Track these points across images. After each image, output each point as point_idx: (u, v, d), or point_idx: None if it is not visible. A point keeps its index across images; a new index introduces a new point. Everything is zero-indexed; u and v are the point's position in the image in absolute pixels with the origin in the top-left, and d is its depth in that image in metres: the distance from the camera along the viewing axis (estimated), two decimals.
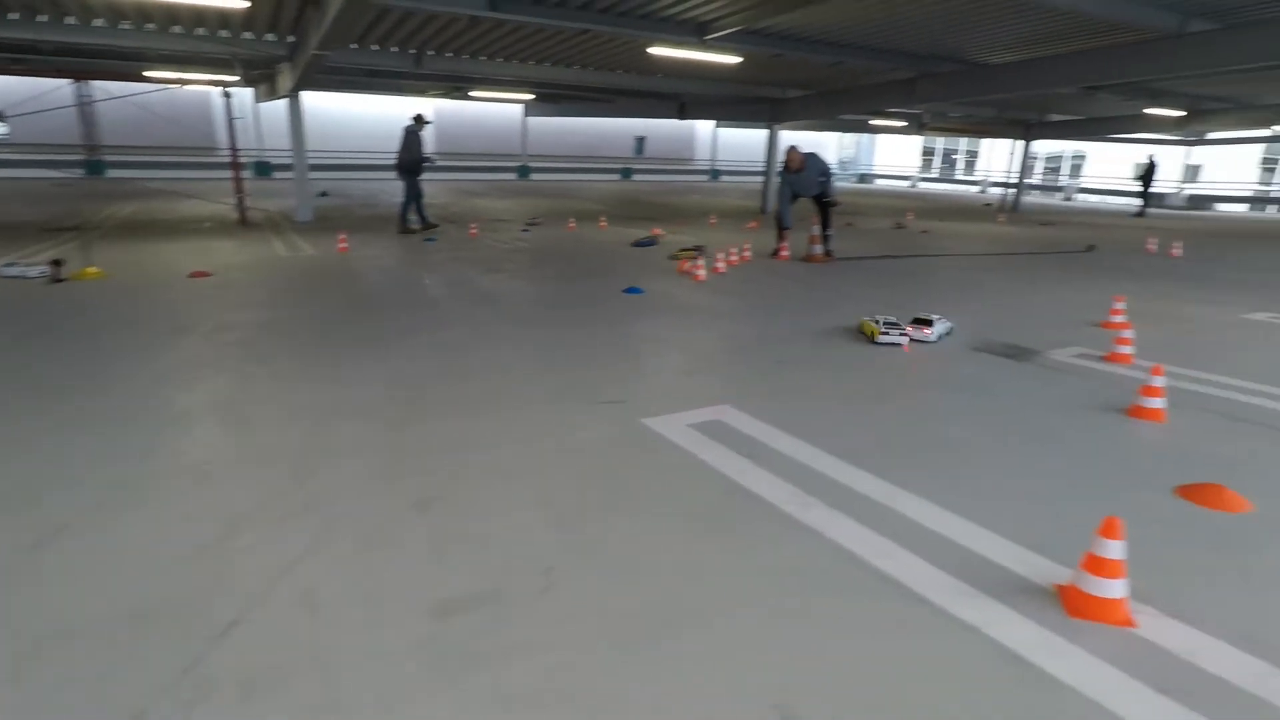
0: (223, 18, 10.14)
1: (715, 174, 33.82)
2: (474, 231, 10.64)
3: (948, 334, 4.74)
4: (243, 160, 12.71)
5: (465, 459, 2.64)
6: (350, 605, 1.78)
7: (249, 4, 8.30)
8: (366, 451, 2.70)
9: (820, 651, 1.63)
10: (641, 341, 4.51)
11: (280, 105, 12.98)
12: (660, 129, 33.46)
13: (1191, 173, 31.53)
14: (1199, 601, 1.83)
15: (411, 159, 10.63)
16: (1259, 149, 31.35)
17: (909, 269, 8.17)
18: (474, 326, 4.86)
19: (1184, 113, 17.38)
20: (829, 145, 41.65)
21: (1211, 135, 24.58)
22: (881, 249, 10.01)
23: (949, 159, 43.41)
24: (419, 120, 10.70)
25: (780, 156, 9.01)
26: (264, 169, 25.31)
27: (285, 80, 12.25)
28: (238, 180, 11.74)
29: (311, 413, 3.10)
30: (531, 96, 19.39)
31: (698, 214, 16.02)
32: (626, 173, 32.10)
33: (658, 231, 6.46)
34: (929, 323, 4.58)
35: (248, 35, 11.35)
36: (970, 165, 41.54)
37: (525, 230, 11.46)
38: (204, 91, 23.65)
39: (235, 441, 2.79)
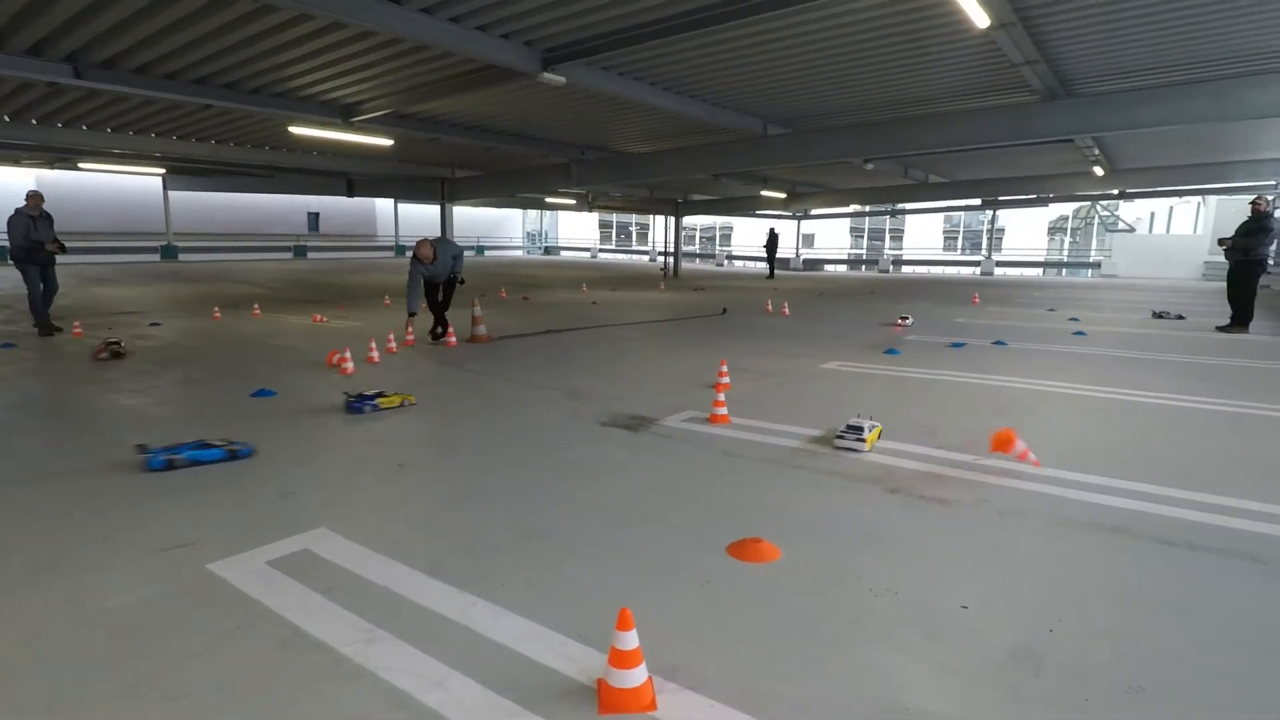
0: None
1: (401, 250, 32.98)
2: (78, 331, 8.84)
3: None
4: None
5: None
6: None
7: None
8: None
9: None
10: (244, 461, 4.00)
11: None
12: (336, 205, 31.82)
13: (808, 240, 38.79)
14: (714, 667, 2.04)
15: (18, 247, 8.40)
16: (848, 221, 39.88)
17: (570, 342, 8.62)
18: (17, 460, 3.91)
19: (785, 194, 21.34)
20: (515, 220, 43.34)
21: (813, 211, 30.62)
22: (550, 323, 10.47)
23: (624, 231, 47.92)
24: (30, 199, 8.51)
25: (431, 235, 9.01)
26: None
27: None
28: None
29: None
30: (162, 170, 17.10)
31: (374, 294, 15.35)
32: (300, 250, 29.77)
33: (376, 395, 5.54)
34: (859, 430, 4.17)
35: None
36: (643, 236, 46.30)
37: (155, 324, 9.87)
38: None
39: None
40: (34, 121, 11.01)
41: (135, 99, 9.42)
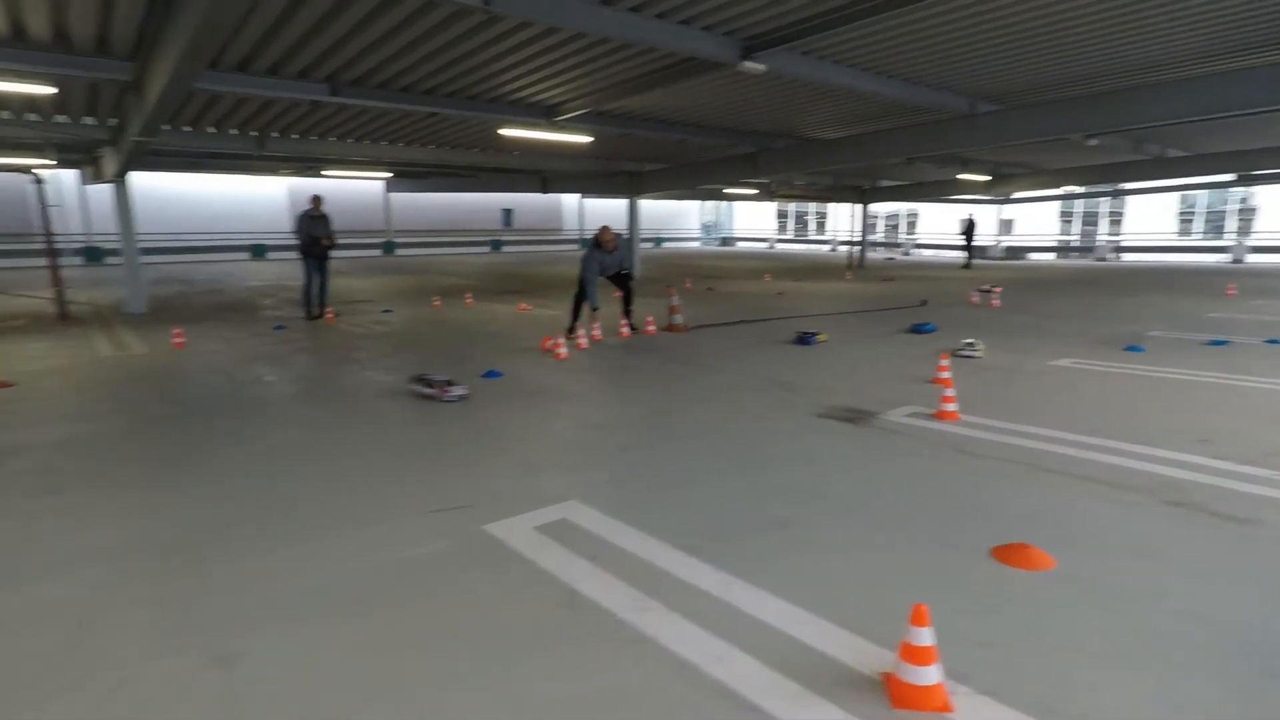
0: (29, 102, 9.35)
1: (585, 243, 34.46)
2: (330, 316, 10.15)
3: None
4: (64, 247, 11.57)
5: (278, 596, 2.40)
6: None
7: (56, 90, 7.70)
8: (165, 598, 2.39)
9: None
10: (493, 434, 4.38)
11: (107, 189, 12.02)
12: (527, 200, 33.90)
13: (1006, 226, 35.53)
14: (1008, 675, 1.92)
15: (303, 242, 10.07)
16: (1056, 204, 35.96)
17: (764, 333, 8.55)
18: (312, 429, 4.55)
19: (989, 177, 19.65)
20: (692, 211, 43.74)
21: (1017, 195, 27.95)
22: (740, 314, 10.44)
23: (802, 220, 46.68)
24: (312, 201, 10.19)
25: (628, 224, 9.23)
26: (94, 255, 23.21)
27: (110, 164, 11.40)
28: (55, 271, 10.65)
29: (104, 554, 2.74)
30: (389, 175, 19.10)
31: (567, 284, 16.14)
32: (496, 244, 32.11)
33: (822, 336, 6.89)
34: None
35: (62, 119, 10.52)
36: (821, 225, 44.83)
37: (386, 312, 11.08)
38: (17, 175, 21.57)
39: (10, 600, 2.39)
40: (295, 136, 12.80)
41: (375, 111, 10.61)
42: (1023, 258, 29.84)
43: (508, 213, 35.60)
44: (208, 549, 2.77)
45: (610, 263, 8.34)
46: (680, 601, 2.30)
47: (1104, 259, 27.97)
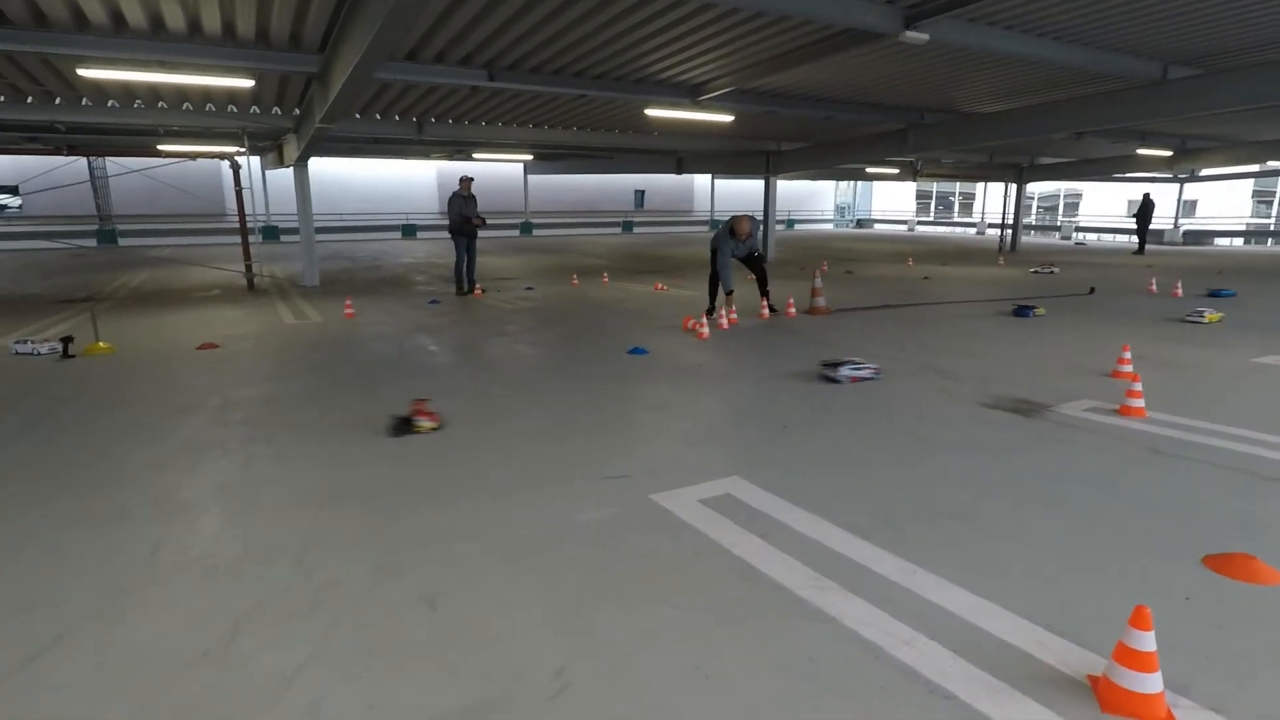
0: (231, 95, 10.46)
1: (715, 224, 34.25)
2: (478, 292, 10.73)
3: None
4: (251, 227, 12.95)
5: (468, 547, 2.59)
6: (358, 716, 1.72)
7: (254, 83, 8.55)
8: (372, 542, 2.65)
9: None
10: (647, 408, 4.49)
11: (287, 172, 13.26)
12: (659, 182, 34.13)
13: (1188, 208, 31.80)
14: (1237, 690, 1.76)
15: (454, 222, 10.75)
16: (1250, 183, 31.78)
17: (912, 318, 8.17)
18: (475, 396, 4.85)
19: (1171, 152, 17.65)
20: (826, 193, 42.36)
21: (1204, 171, 24.92)
22: (882, 298, 10.04)
23: (945, 201, 44.03)
24: (462, 182, 10.85)
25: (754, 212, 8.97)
26: (272, 233, 25.76)
27: (291, 150, 12.57)
28: (245, 248, 11.93)
29: (317, 497, 3.07)
30: (530, 157, 19.82)
31: (697, 265, 16.16)
32: (628, 226, 32.57)
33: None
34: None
35: (255, 110, 11.68)
36: (966, 207, 42.11)
37: (528, 289, 11.56)
38: (214, 161, 24.23)
39: (240, 533, 2.75)
40: (450, 121, 13.56)
41: (527, 94, 11.03)
42: (1208, 242, 26.59)
43: (640, 194, 36.03)
44: (402, 499, 3.03)
45: (741, 248, 8.19)
46: (857, 583, 2.27)
47: None
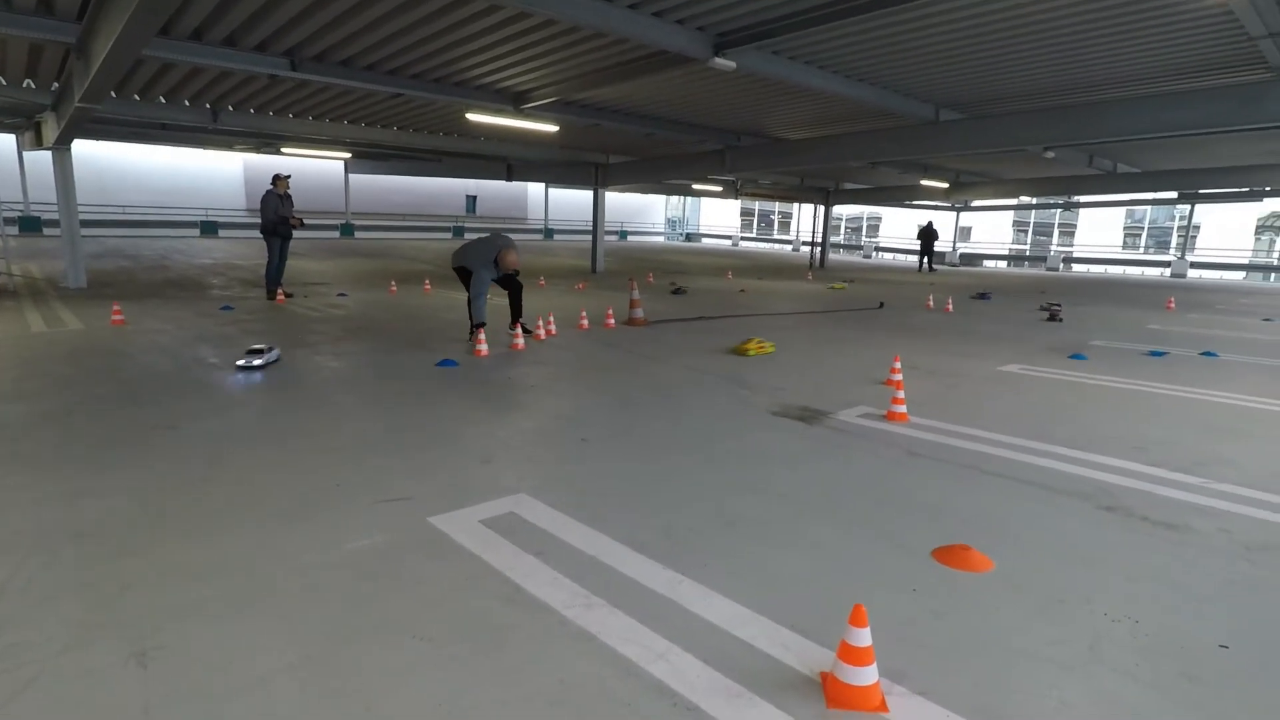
0: None
1: (549, 233, 34.23)
2: (280, 298, 9.88)
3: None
4: (6, 216, 11.02)
5: (209, 588, 2.31)
6: None
7: None
8: (87, 587, 2.29)
9: None
10: (446, 423, 4.31)
11: (47, 155, 11.48)
12: (492, 188, 33.50)
13: (964, 234, 36.39)
14: (944, 676, 1.95)
15: (268, 221, 9.77)
16: (1011, 214, 37.05)
17: (725, 329, 8.59)
18: (256, 413, 4.42)
19: (948, 184, 20.07)
20: (657, 206, 43.79)
21: (975, 203, 28.67)
22: (701, 310, 10.47)
23: (766, 219, 47.12)
24: (276, 180, 9.88)
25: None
26: (32, 224, 22.20)
27: (50, 130, 10.89)
28: None
29: (27, 540, 2.61)
30: (349, 155, 18.66)
31: (527, 275, 16.00)
32: (459, 231, 31.62)
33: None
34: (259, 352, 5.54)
35: (0, 81, 10.01)
36: (785, 225, 45.30)
37: (341, 295, 10.83)
38: None
39: None
40: (251, 111, 12.38)
41: (337, 89, 10.32)
42: (978, 264, 30.57)
43: (472, 199, 35.17)
44: (136, 536, 2.66)
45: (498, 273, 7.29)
46: (625, 598, 2.28)
47: (1055, 268, 28.85)
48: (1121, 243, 36.28)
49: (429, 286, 12.26)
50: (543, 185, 33.79)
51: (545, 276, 14.97)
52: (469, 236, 31.49)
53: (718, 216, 44.93)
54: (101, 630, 2.06)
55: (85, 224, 12.79)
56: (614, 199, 37.38)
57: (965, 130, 10.64)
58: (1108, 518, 3.12)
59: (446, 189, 32.69)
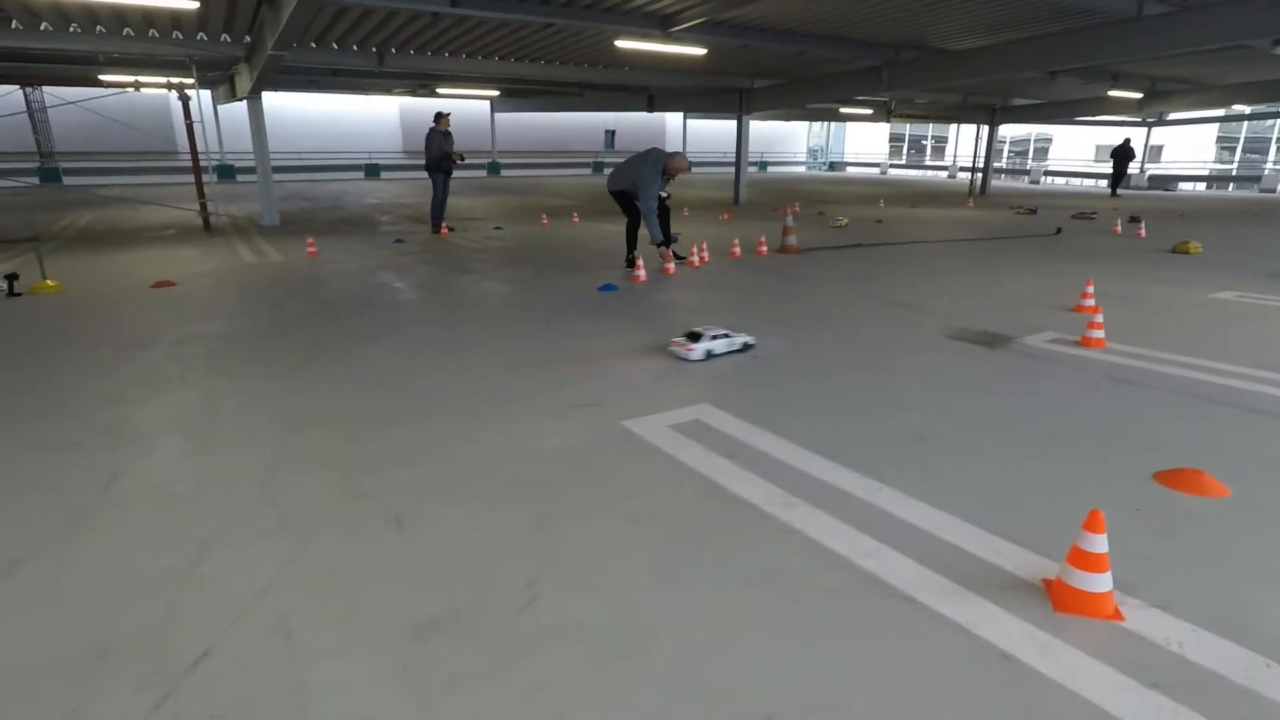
0: (174, 19, 9.86)
1: (689, 166, 33.76)
2: (445, 231, 10.48)
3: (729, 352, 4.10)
4: (204, 164, 12.40)
5: (436, 469, 2.57)
6: (324, 631, 1.71)
7: (199, 5, 8.06)
8: (337, 465, 2.62)
9: (809, 659, 1.60)
10: (618, 340, 4.46)
11: (241, 107, 12.66)
12: (630, 122, 33.35)
13: (1154, 153, 32.08)
14: (1183, 591, 1.83)
15: (432, 158, 10.46)
16: (1214, 129, 32.14)
17: (882, 257, 8.19)
18: (444, 329, 4.78)
19: (1142, 95, 17.68)
20: (799, 135, 41.85)
21: (1173, 115, 25.04)
22: (854, 238, 10.03)
23: (917, 145, 43.84)
24: (438, 118, 10.51)
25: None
26: (227, 172, 24.75)
27: (244, 81, 11.96)
28: (199, 185, 11.45)
29: (279, 426, 3.01)
30: (497, 93, 19.17)
31: (672, 206, 15.94)
32: (598, 167, 31.92)
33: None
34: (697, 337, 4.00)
35: (202, 37, 11.06)
36: (939, 151, 41.99)
37: (497, 228, 11.33)
38: (162, 94, 23.04)
39: (202, 461, 2.69)
40: (412, 52, 12.98)
41: (492, 23, 10.57)
42: (1172, 187, 26.96)
43: (610, 134, 35.23)
44: (366, 425, 2.99)
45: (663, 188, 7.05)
46: (825, 500, 2.31)
47: (1272, 189, 24.90)
48: None
49: (577, 219, 12.54)
50: (680, 116, 33.17)
51: (689, 208, 14.85)
52: (608, 172, 31.81)
53: (864, 143, 42.30)
54: (357, 500, 2.36)
55: (272, 169, 14.10)
56: (754, 128, 36.07)
57: (1177, 25, 9.20)
58: None
59: (586, 124, 32.94)
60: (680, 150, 7.13)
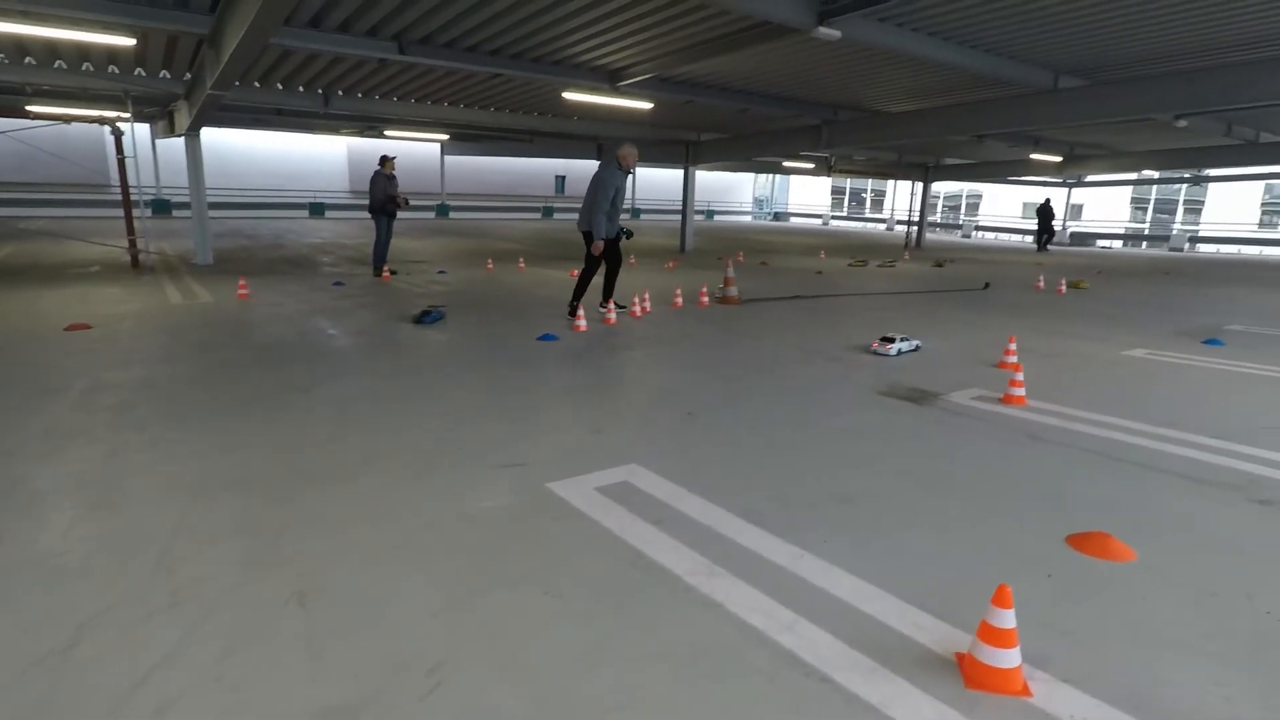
0: (110, 54, 9.63)
1: (635, 212, 34.29)
2: (386, 275, 10.33)
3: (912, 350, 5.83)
4: (138, 198, 11.98)
5: (352, 537, 2.47)
6: None
7: (135, 42, 7.89)
8: (245, 532, 2.49)
9: None
10: (552, 394, 4.42)
11: (180, 141, 12.35)
12: (581, 168, 33.78)
13: (1075, 211, 34.07)
14: (1090, 663, 1.86)
15: (376, 201, 10.33)
16: (1129, 190, 34.42)
17: (821, 309, 8.39)
18: (376, 380, 4.65)
19: (1061, 158, 18.82)
20: (745, 185, 43.06)
21: (1090, 178, 26.73)
22: (794, 289, 10.27)
23: (858, 197, 45.61)
24: (383, 162, 10.43)
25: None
26: (163, 206, 24.02)
27: (183, 118, 11.71)
28: (130, 221, 11.05)
29: (190, 487, 2.85)
30: (446, 136, 19.21)
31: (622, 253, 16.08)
32: (548, 211, 32.16)
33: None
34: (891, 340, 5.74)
35: (140, 72, 10.81)
36: (878, 203, 43.77)
37: (441, 272, 11.23)
38: (96, 126, 22.36)
39: (98, 526, 2.52)
40: (359, 95, 12.95)
41: (440, 70, 10.64)
42: (1091, 244, 28.62)
43: (561, 179, 35.60)
44: (281, 487, 2.86)
45: (619, 200, 7.03)
46: (746, 569, 2.29)
47: (1180, 249, 26.65)
48: (1258, 220, 33.14)
49: (523, 265, 12.54)
50: None
51: (635, 255, 15.02)
52: (556, 216, 32.01)
53: (807, 195, 43.80)
54: (264, 572, 2.23)
55: (209, 205, 13.75)
56: (701, 178, 36.98)
57: (1089, 98, 9.91)
58: (1265, 512, 2.88)
59: (537, 169, 33.25)
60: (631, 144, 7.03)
